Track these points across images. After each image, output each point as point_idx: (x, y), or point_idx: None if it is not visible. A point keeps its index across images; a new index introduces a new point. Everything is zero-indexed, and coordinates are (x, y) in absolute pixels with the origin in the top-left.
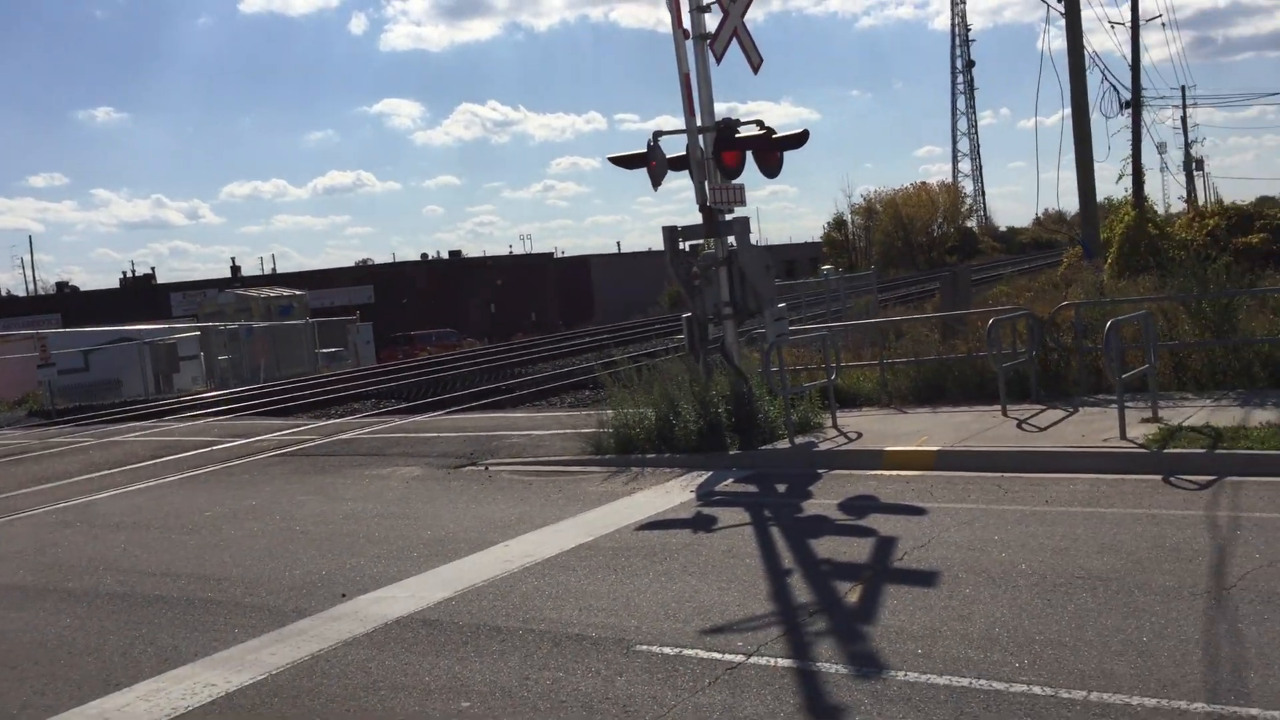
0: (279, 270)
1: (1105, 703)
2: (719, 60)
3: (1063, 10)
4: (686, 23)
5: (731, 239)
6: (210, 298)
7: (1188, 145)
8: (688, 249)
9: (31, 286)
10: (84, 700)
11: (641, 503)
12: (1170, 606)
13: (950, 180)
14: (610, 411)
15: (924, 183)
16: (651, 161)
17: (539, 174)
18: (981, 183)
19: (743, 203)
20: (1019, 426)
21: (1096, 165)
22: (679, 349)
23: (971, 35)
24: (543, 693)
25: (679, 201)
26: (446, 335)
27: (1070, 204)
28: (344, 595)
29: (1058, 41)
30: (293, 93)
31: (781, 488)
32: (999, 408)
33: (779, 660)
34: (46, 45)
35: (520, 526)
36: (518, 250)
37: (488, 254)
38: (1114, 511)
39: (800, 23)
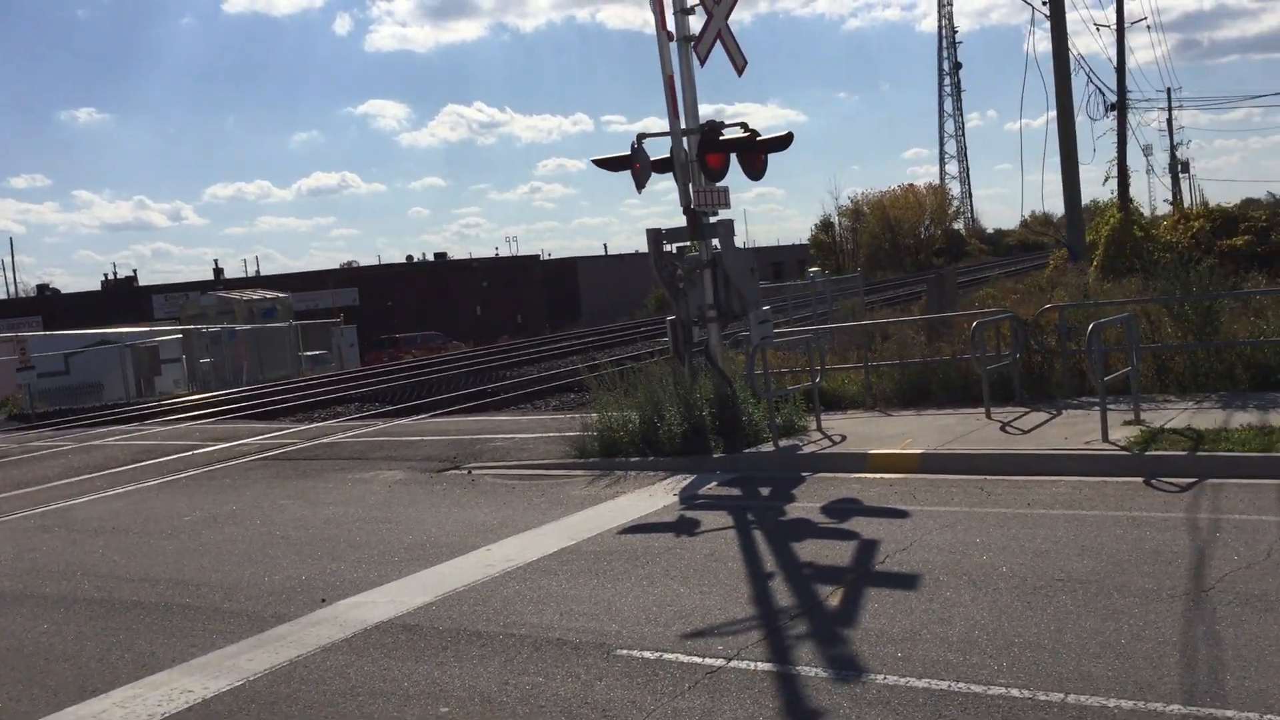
0: (263, 272)
1: (1082, 705)
2: (703, 62)
3: (1047, 13)
4: (670, 25)
5: (716, 241)
6: (193, 300)
7: (1173, 148)
8: (676, 250)
9: (12, 289)
10: (60, 707)
11: (625, 506)
12: (1149, 609)
13: (937, 182)
14: (594, 415)
15: (911, 185)
16: (635, 164)
17: (525, 176)
18: (969, 185)
19: (727, 205)
20: (1003, 429)
21: (1082, 167)
22: (664, 352)
23: (958, 37)
24: (522, 698)
25: (666, 203)
26: (432, 338)
27: (1056, 206)
28: (324, 600)
29: (1043, 44)
30: (277, 93)
31: (765, 491)
32: (983, 410)
33: (759, 664)
34: (28, 45)
35: (502, 530)
36: (504, 252)
37: (474, 256)
38: (1095, 514)
39: (787, 24)
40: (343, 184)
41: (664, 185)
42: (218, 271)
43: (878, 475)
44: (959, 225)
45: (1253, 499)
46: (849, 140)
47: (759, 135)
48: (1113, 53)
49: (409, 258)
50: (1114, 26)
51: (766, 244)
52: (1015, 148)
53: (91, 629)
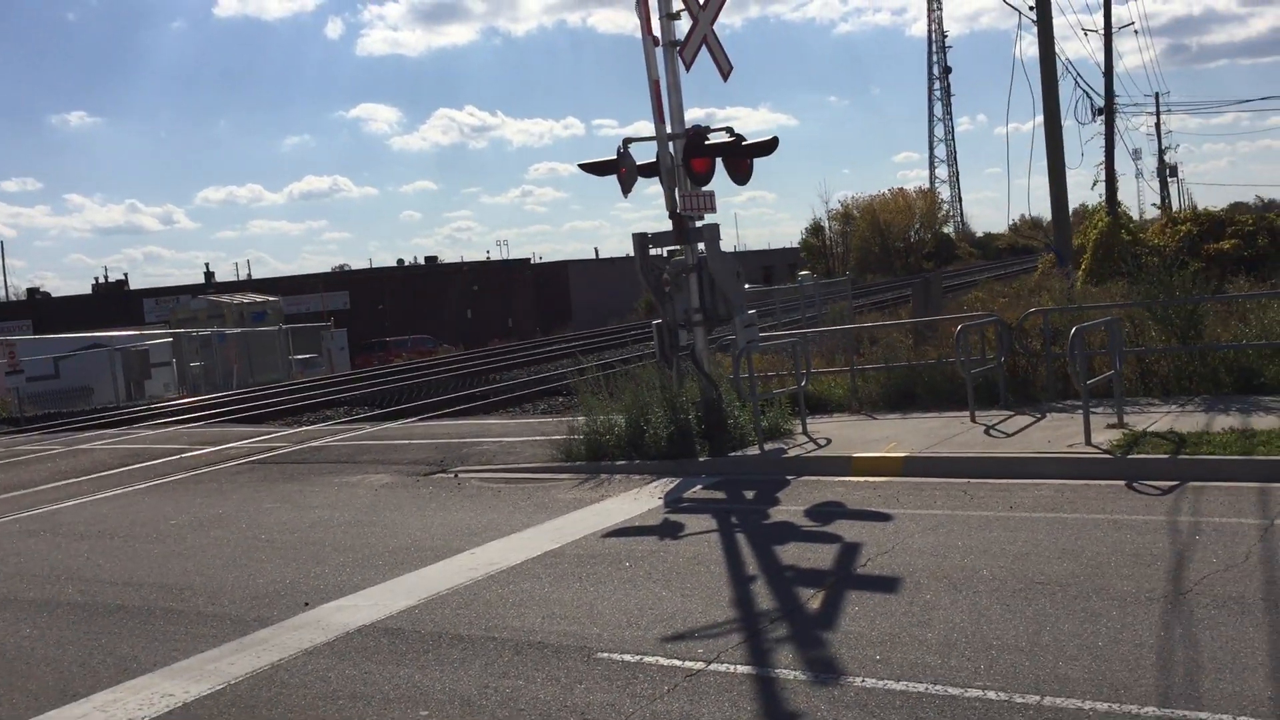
0: (254, 276)
1: (1058, 707)
2: (688, 67)
3: (1034, 18)
4: (656, 30)
5: (702, 245)
6: (183, 303)
7: (1161, 152)
8: (666, 254)
9: (2, 293)
10: (40, 711)
11: (610, 510)
12: (1127, 611)
13: (927, 186)
14: (581, 418)
15: (901, 189)
16: (621, 168)
17: (517, 179)
18: (958, 188)
19: (713, 209)
20: (987, 432)
21: (1071, 171)
22: (652, 355)
23: (948, 42)
24: (501, 701)
25: (657, 207)
26: (422, 341)
27: (1044, 210)
28: (307, 604)
29: (1031, 49)
30: (268, 97)
31: (750, 494)
32: (968, 414)
33: (738, 667)
34: (19, 49)
35: (487, 534)
36: (495, 256)
37: (465, 259)
38: (1076, 517)
39: (778, 29)
40: (334, 187)
41: (655, 189)
42: (208, 275)
43: (862, 478)
44: (949, 229)
45: (1233, 502)
46: (840, 144)
47: (744, 140)
48: (1101, 57)
49: (400, 261)
50: (1102, 31)
51: (757, 247)
52: (1005, 152)
53: (74, 633)
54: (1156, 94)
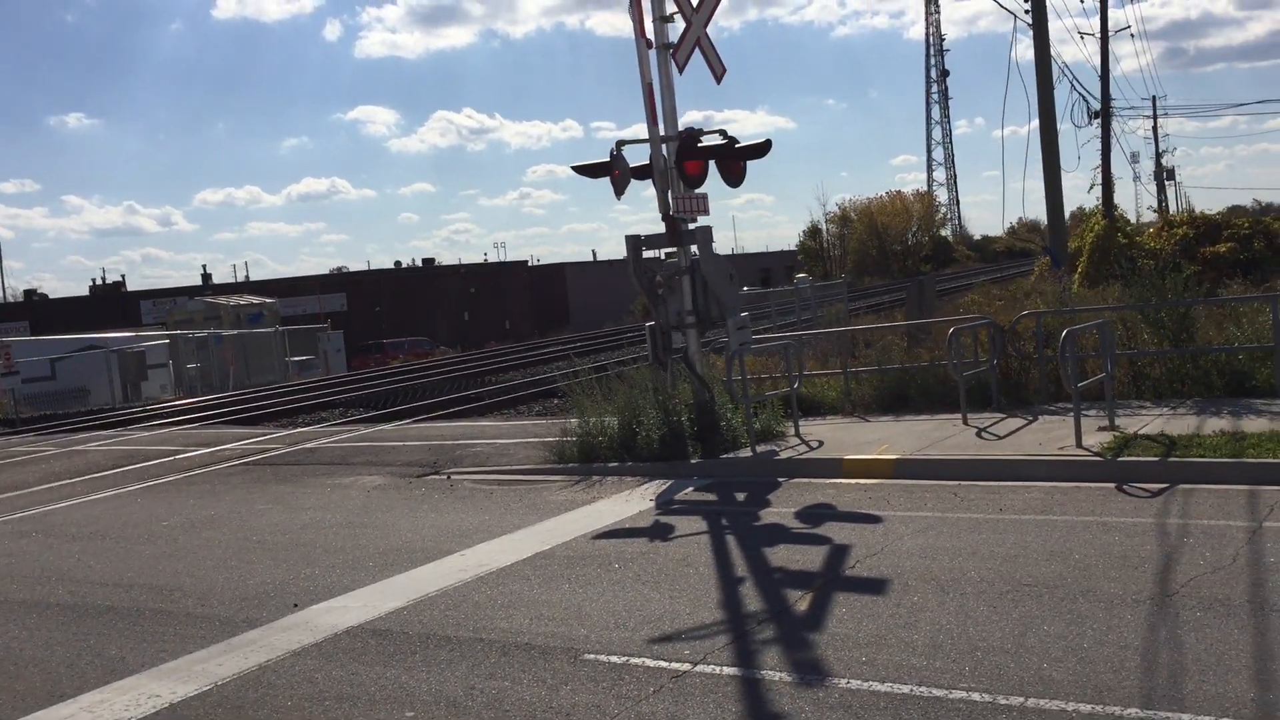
0: (252, 278)
1: (1042, 709)
2: (681, 70)
3: (1030, 21)
4: (649, 32)
5: (695, 248)
6: (179, 305)
7: (1158, 155)
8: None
9: (2, 294)
10: (27, 712)
11: (601, 511)
12: (1113, 613)
13: (925, 189)
14: (574, 420)
15: (899, 191)
16: (614, 171)
17: (515, 182)
18: (956, 191)
19: (706, 212)
20: (978, 435)
21: (1067, 175)
22: (646, 357)
23: (946, 45)
24: (487, 702)
25: (655, 209)
26: (419, 343)
27: (1042, 213)
28: (296, 605)
29: (1028, 53)
30: (266, 99)
31: (741, 496)
32: (960, 416)
33: (724, 669)
34: (16, 50)
35: (478, 535)
36: (492, 258)
37: (462, 262)
38: (1065, 519)
39: (776, 31)
40: (332, 190)
41: (653, 192)
42: (206, 277)
43: (853, 480)
44: (946, 232)
45: (1222, 504)
46: (838, 147)
47: (737, 142)
48: (1098, 61)
49: (397, 263)
50: (1098, 35)
51: (755, 250)
52: (1002, 155)
53: (62, 634)
54: (1153, 97)
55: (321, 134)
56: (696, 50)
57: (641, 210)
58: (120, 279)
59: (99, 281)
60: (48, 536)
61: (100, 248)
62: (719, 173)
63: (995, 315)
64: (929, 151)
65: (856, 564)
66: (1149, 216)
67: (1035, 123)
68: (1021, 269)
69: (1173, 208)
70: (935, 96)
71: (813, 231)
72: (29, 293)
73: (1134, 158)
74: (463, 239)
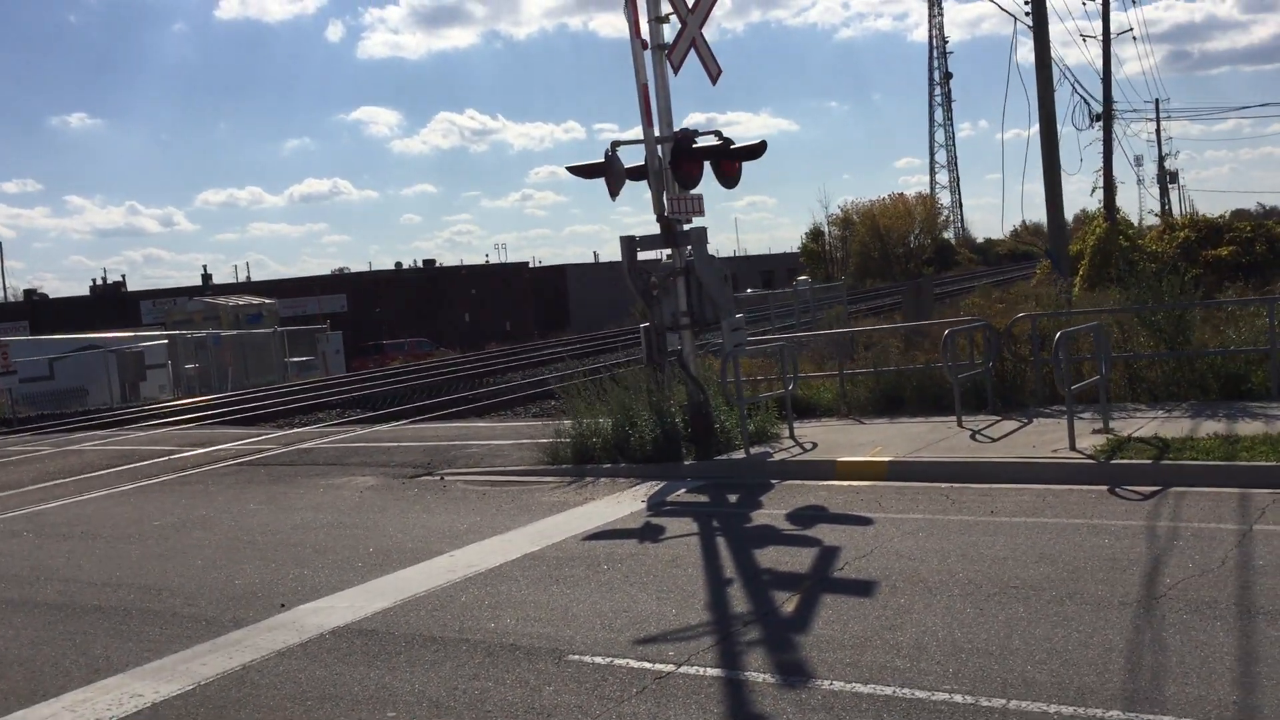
0: (254, 278)
1: (1024, 710)
2: (676, 71)
3: (1030, 24)
4: (644, 33)
5: (689, 249)
6: (179, 305)
7: (1161, 158)
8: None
9: (2, 294)
10: (8, 711)
11: (593, 513)
12: (1099, 615)
13: (928, 192)
14: (568, 422)
15: (901, 194)
16: (609, 172)
17: (517, 183)
18: (959, 194)
19: (701, 213)
20: (972, 437)
21: (1071, 178)
22: (643, 359)
23: (949, 48)
24: (470, 703)
25: None
26: (420, 344)
27: (1044, 216)
28: (283, 605)
29: (1031, 56)
30: (269, 100)
31: (733, 498)
32: (955, 418)
33: (708, 670)
34: (19, 50)
35: (469, 536)
36: (494, 259)
37: (464, 263)
38: (1056, 521)
39: (779, 34)
40: (335, 190)
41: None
42: (206, 277)
43: (846, 482)
44: (949, 235)
45: (1213, 507)
46: (841, 149)
47: (732, 143)
48: (1100, 64)
49: (398, 264)
50: (1100, 38)
51: (758, 252)
52: (1006, 157)
53: (49, 633)
54: (1156, 100)
55: (324, 135)
56: (692, 51)
57: (644, 212)
58: (121, 279)
59: (100, 282)
60: (39, 536)
61: (102, 248)
62: (714, 174)
63: (993, 318)
64: (932, 154)
65: (845, 565)
66: (1151, 220)
67: (1035, 129)
68: (1024, 272)
69: (1176, 211)
70: (938, 99)
71: (815, 234)
72: (29, 292)
73: (1138, 161)
74: (465, 240)
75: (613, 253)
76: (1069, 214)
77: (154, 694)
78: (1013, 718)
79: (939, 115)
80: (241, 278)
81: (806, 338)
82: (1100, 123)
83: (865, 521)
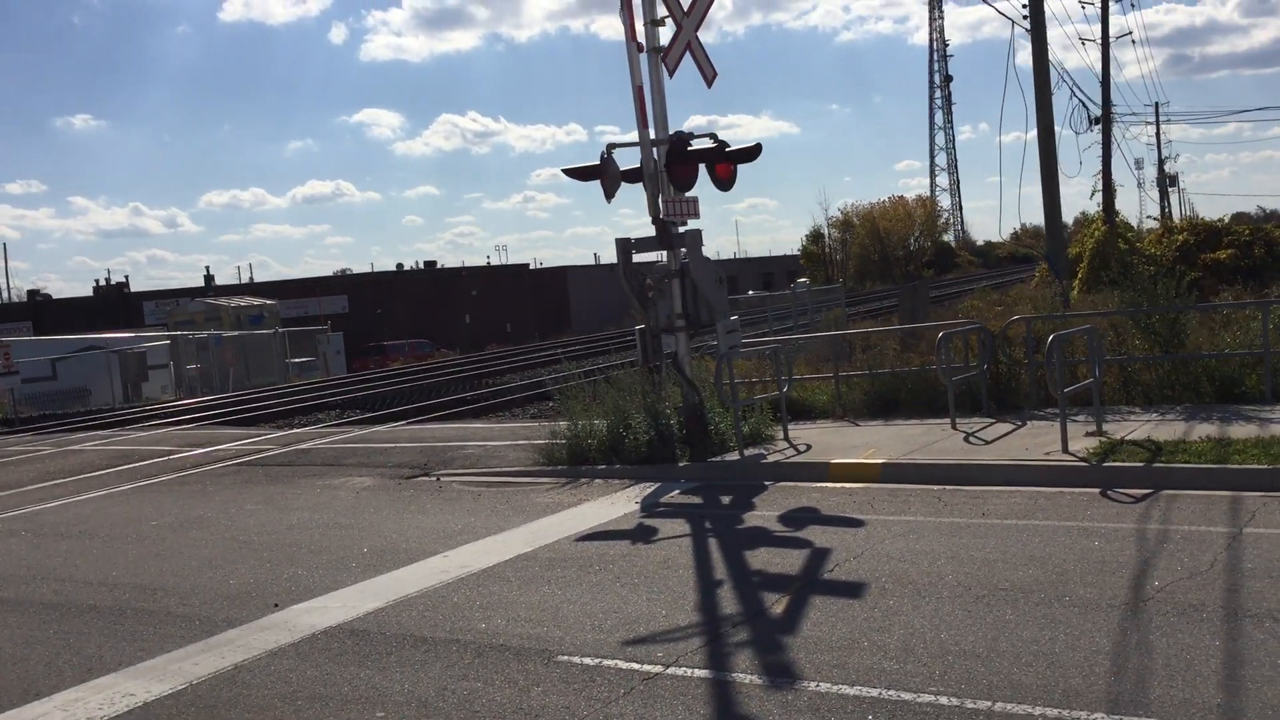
0: (256, 279)
1: (1009, 713)
2: (671, 74)
3: (1028, 28)
4: (640, 36)
5: (684, 251)
6: (181, 306)
7: (1161, 162)
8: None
9: (6, 294)
10: (1, 710)
11: (586, 514)
12: (1086, 618)
13: (928, 194)
14: (563, 423)
15: (901, 196)
16: (604, 174)
17: (519, 185)
18: (959, 197)
19: (696, 215)
20: (966, 439)
21: (1071, 181)
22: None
23: (950, 51)
24: (458, 703)
25: None
26: (420, 346)
27: (1043, 219)
28: (276, 605)
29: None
30: (272, 102)
31: (726, 499)
32: (949, 421)
33: (696, 671)
34: (23, 51)
35: (463, 537)
36: (495, 261)
37: (466, 265)
38: (1047, 524)
39: (780, 36)
40: (337, 192)
41: None
42: (208, 278)
43: (839, 484)
44: (949, 237)
45: (1204, 510)
46: (841, 152)
47: (727, 146)
48: (1100, 68)
49: (399, 266)
50: (1100, 41)
51: (759, 254)
52: (1006, 161)
53: (43, 633)
54: (1156, 104)
55: (326, 137)
56: (688, 54)
57: (645, 214)
58: (124, 280)
59: (103, 282)
60: (37, 535)
61: (106, 249)
62: (709, 177)
63: (989, 321)
64: (932, 157)
65: (836, 567)
66: (1151, 224)
67: (1033, 134)
68: (1023, 275)
69: (1176, 214)
70: (938, 102)
71: (815, 236)
72: (32, 293)
73: (1138, 164)
74: (467, 242)
75: (614, 255)
76: (1069, 217)
77: (145, 693)
78: (997, 719)
79: (939, 118)
80: (244, 279)
81: (802, 340)
82: (1100, 126)
83: (857, 523)
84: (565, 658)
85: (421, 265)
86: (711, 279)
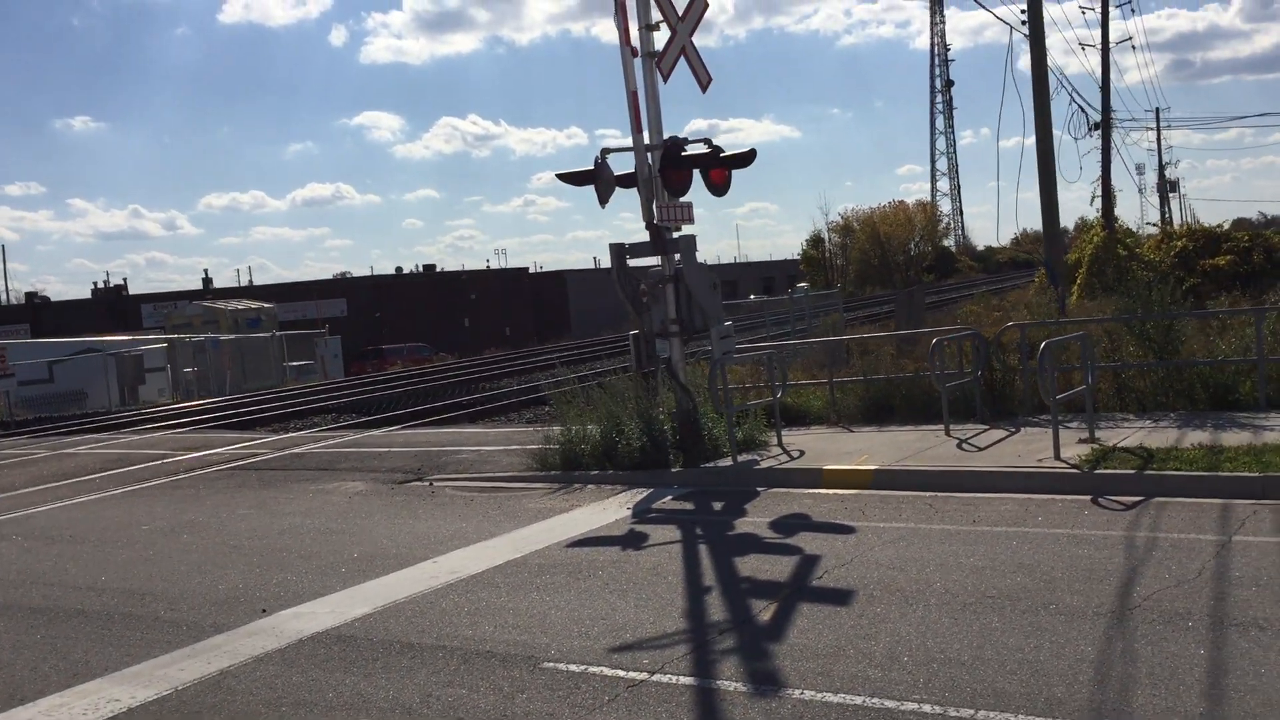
0: (256, 282)
1: None
2: (666, 79)
3: (1027, 33)
4: (635, 40)
5: (678, 256)
6: (178, 309)
7: (1161, 167)
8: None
9: (4, 297)
10: None
11: (577, 519)
12: (1072, 626)
13: (929, 199)
14: (557, 428)
15: (901, 201)
16: (598, 179)
17: (519, 188)
18: (960, 201)
19: (690, 220)
20: (959, 446)
21: (1070, 186)
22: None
23: (951, 55)
24: (443, 710)
25: None
26: (418, 349)
27: (1040, 224)
28: (264, 611)
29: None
30: (272, 104)
31: (718, 505)
32: (943, 427)
33: (681, 678)
34: (23, 53)
35: (453, 543)
36: (495, 265)
37: (465, 268)
38: (1037, 531)
39: (782, 40)
40: (337, 195)
41: None
42: (206, 281)
43: (831, 491)
44: (949, 242)
45: (1194, 518)
46: (842, 156)
47: (722, 151)
48: (1100, 73)
49: (398, 269)
50: (1100, 46)
51: (759, 258)
52: (1007, 166)
53: (30, 638)
54: (1156, 109)
55: (326, 139)
56: (682, 59)
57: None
58: (123, 282)
59: (102, 285)
60: (27, 539)
61: (105, 251)
62: (703, 182)
63: (985, 327)
64: (933, 162)
65: (824, 574)
66: (1150, 229)
67: (1031, 140)
68: (1023, 280)
69: (1177, 220)
70: (939, 106)
71: (815, 240)
72: (30, 295)
73: (1139, 169)
74: (467, 245)
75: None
76: (1069, 222)
77: (130, 699)
78: None
79: (940, 123)
80: (244, 282)
81: (797, 345)
82: (1099, 131)
83: (847, 530)
84: (551, 664)
85: (421, 269)
86: (705, 284)
